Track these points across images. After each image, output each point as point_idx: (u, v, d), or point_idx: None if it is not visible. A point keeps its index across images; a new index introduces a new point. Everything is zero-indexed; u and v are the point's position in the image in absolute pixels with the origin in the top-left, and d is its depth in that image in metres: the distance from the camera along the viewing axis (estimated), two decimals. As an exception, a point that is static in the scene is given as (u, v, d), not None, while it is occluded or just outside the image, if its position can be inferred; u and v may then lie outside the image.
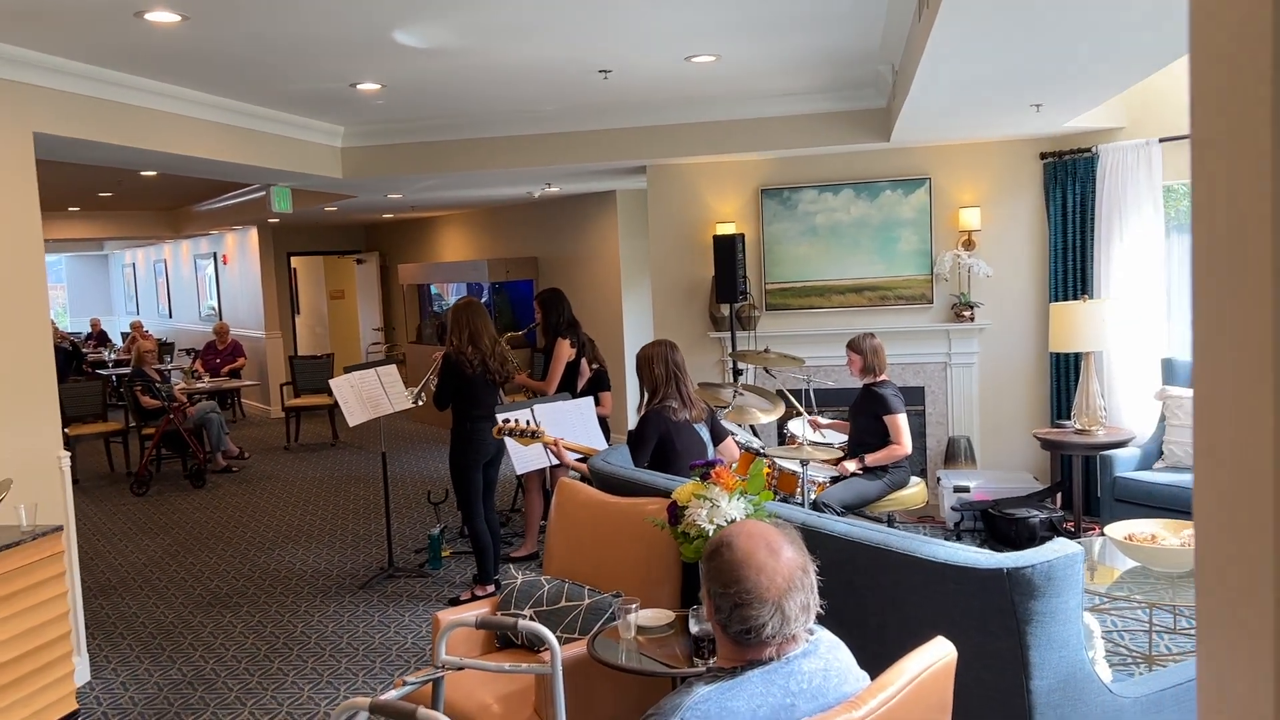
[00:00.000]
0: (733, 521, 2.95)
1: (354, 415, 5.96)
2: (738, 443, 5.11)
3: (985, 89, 4.76)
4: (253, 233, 13.43)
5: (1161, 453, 5.89)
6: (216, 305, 15.11)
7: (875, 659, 2.20)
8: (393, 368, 6.33)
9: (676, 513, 3.09)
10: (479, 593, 5.64)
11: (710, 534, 2.95)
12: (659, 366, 4.44)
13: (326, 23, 4.37)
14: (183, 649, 5.18)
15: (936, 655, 2.12)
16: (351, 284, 15.61)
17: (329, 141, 7.31)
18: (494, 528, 5.77)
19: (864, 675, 2.09)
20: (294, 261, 14.80)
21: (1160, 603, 4.04)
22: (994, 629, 2.60)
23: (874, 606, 2.88)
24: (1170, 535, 4.34)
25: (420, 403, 6.28)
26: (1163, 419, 5.98)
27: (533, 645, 3.58)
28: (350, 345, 15.04)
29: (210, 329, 13.24)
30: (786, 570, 1.94)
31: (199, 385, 10.88)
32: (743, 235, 7.08)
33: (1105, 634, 4.73)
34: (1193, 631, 4.75)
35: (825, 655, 2.03)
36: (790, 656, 1.96)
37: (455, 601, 5.64)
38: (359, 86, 5.76)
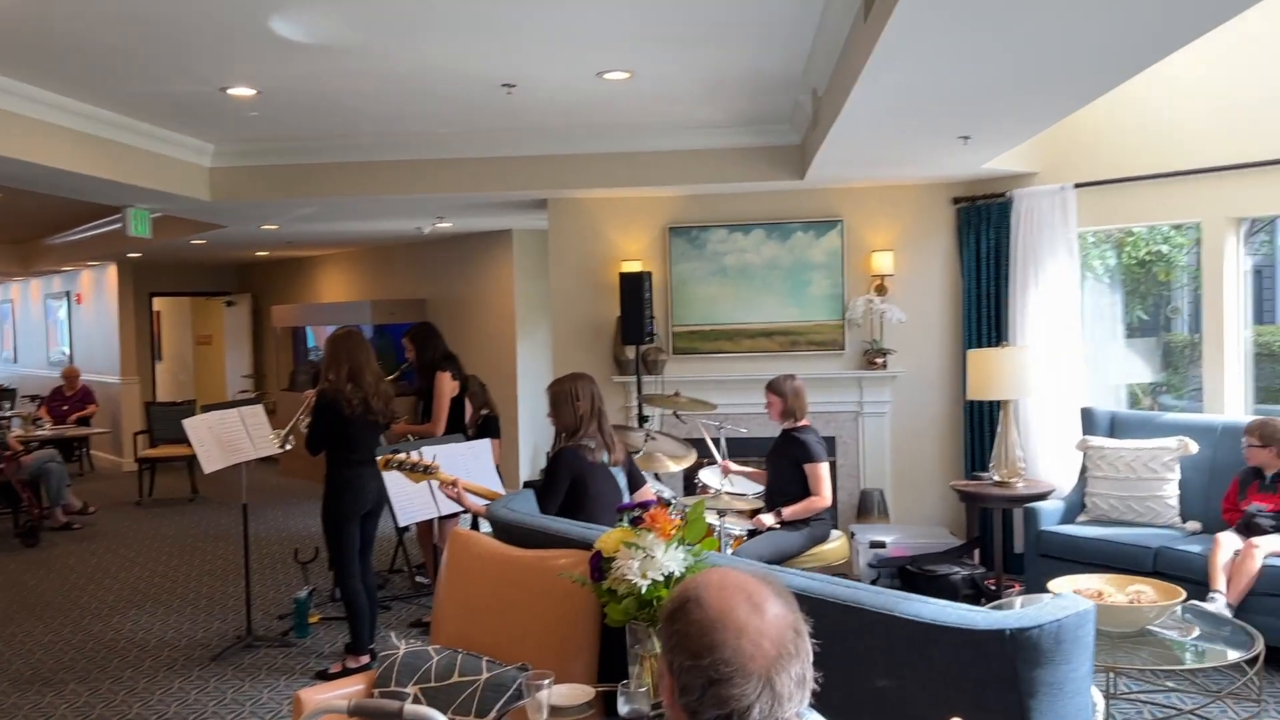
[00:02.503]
0: (672, 576, 2.44)
1: (210, 460, 5.24)
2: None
3: (918, 113, 4.47)
4: (111, 270, 12.39)
5: (1084, 505, 5.64)
6: (68, 349, 13.89)
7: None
8: (258, 408, 5.64)
9: (601, 565, 2.57)
10: (351, 664, 4.94)
11: (644, 591, 2.43)
12: (583, 403, 3.93)
13: (193, 2, 3.79)
14: (-12, 737, 4.33)
15: (956, 744, 1.65)
16: (220, 328, 14.60)
17: (196, 159, 6.62)
18: (371, 589, 5.10)
19: (862, 772, 1.60)
20: (157, 303, 13.75)
21: (1119, 666, 3.69)
22: (990, 704, 2.15)
23: (839, 679, 2.39)
24: (1116, 591, 4.03)
25: (289, 447, 5.58)
26: (1084, 470, 5.74)
27: (418, 729, 2.96)
28: (216, 393, 13.97)
29: (59, 374, 12.09)
30: (775, 632, 1.45)
31: (39, 433, 9.80)
32: (650, 274, 6.66)
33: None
34: (1142, 696, 4.43)
35: (819, 748, 1.53)
36: (778, 750, 1.46)
37: (324, 675, 4.92)
38: (231, 91, 5.14)
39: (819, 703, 2.22)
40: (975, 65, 3.65)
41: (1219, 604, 4.51)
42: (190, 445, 9.92)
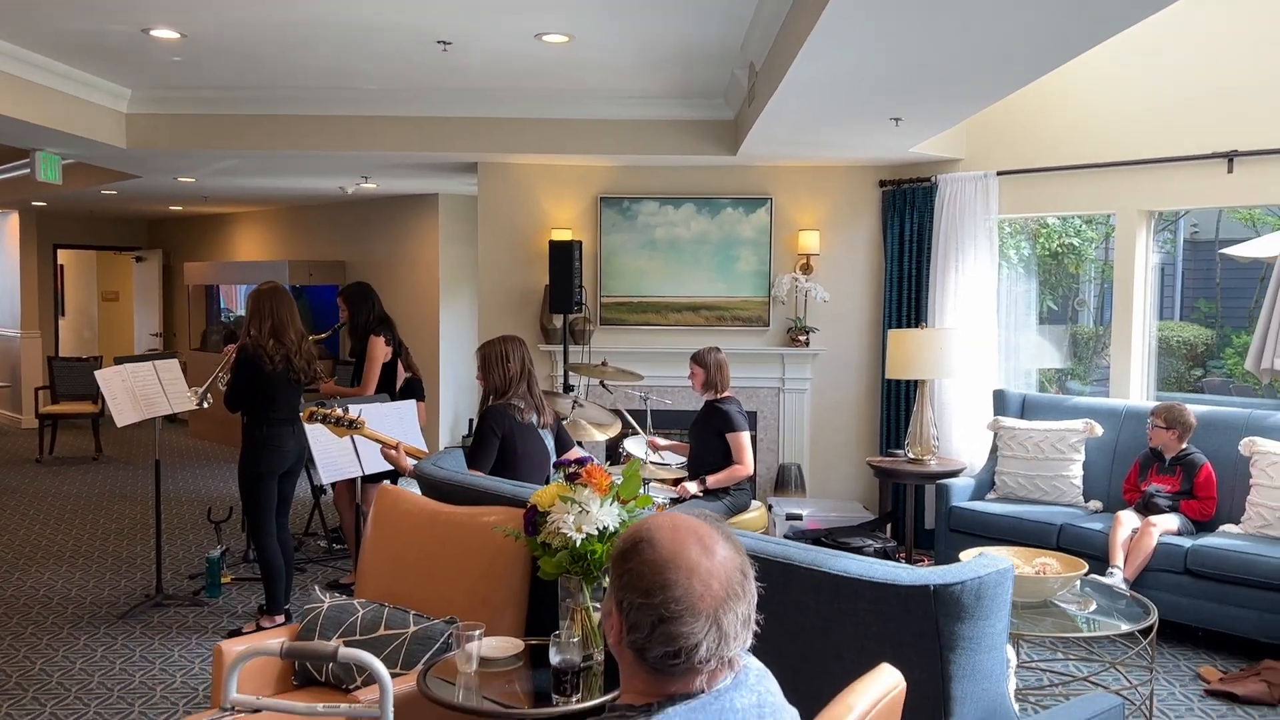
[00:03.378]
0: (606, 531, 2.47)
1: (123, 414, 5.08)
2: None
3: (854, 91, 4.54)
4: (13, 219, 11.88)
5: (994, 483, 5.84)
6: (-37, 300, 13.26)
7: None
8: (174, 362, 5.48)
9: (535, 519, 2.58)
10: (266, 624, 4.86)
11: (579, 544, 2.45)
12: (514, 363, 3.91)
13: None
14: (-122, 692, 4.16)
15: (885, 686, 1.72)
16: (128, 285, 14.10)
17: (113, 105, 6.37)
18: (287, 548, 5.01)
19: (795, 712, 1.65)
20: (61, 255, 13.20)
21: (1024, 634, 3.85)
22: (911, 657, 2.23)
23: (768, 633, 2.45)
24: (1022, 564, 4.19)
25: (206, 404, 5.44)
26: (995, 450, 5.94)
27: (342, 684, 2.95)
28: (123, 351, 13.50)
29: (-47, 324, 11.56)
30: (723, 574, 1.48)
31: (-68, 384, 9.37)
32: (580, 243, 6.65)
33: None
34: (1042, 665, 4.63)
35: (756, 687, 1.58)
36: (720, 689, 1.50)
37: (236, 634, 4.83)
38: (154, 32, 4.96)
39: (753, 651, 2.28)
40: (914, 44, 3.71)
41: (1116, 578, 4.73)
42: (94, 403, 9.70)
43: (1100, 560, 4.88)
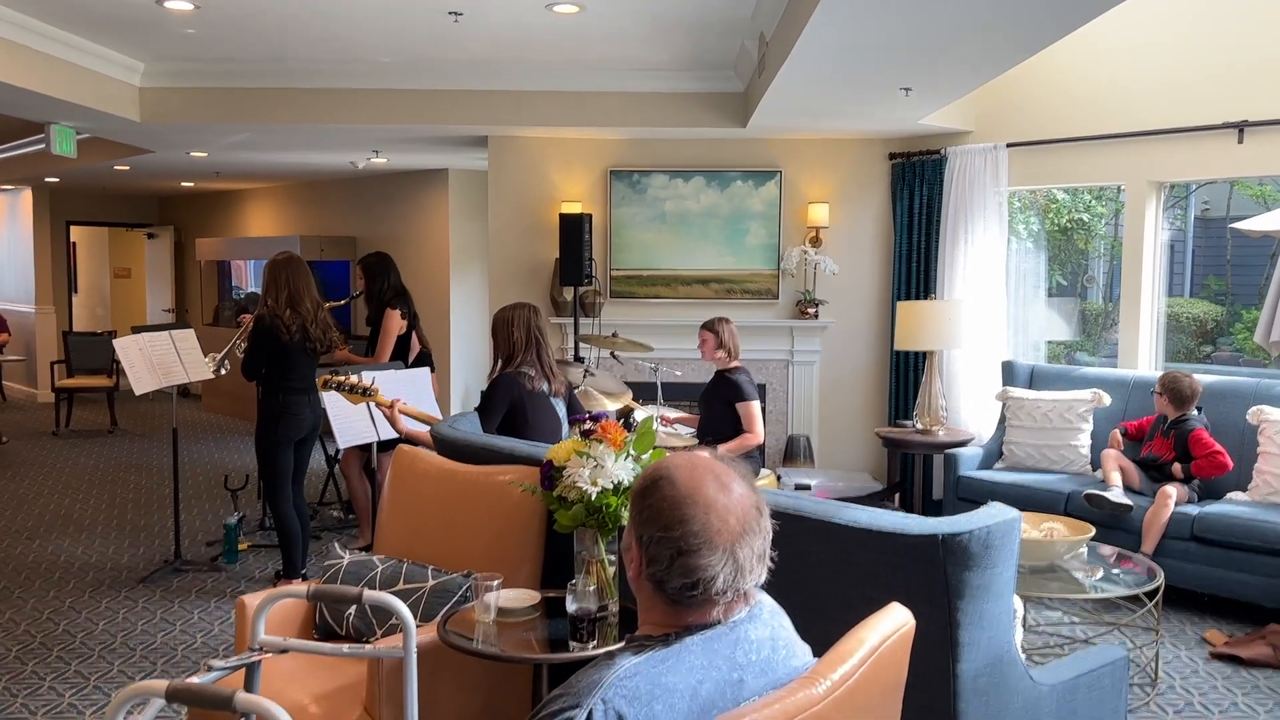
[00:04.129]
0: (620, 484, 2.52)
1: (141, 382, 5.15)
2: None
3: (864, 61, 4.56)
4: (26, 195, 11.94)
5: (1002, 453, 5.88)
6: (-23, 276, 13.37)
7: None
8: (190, 332, 5.55)
9: (552, 474, 2.64)
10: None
11: (594, 498, 2.51)
12: (518, 330, 3.95)
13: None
14: (-93, 652, 4.25)
15: (895, 624, 1.76)
16: (140, 262, 14.18)
17: (126, 78, 6.41)
18: (303, 515, 5.09)
19: (807, 648, 1.71)
20: (74, 233, 13.28)
21: (1030, 594, 3.90)
22: (920, 604, 2.27)
23: (780, 582, 2.51)
24: (1030, 528, 4.24)
25: (224, 372, 5.52)
26: (1003, 420, 5.98)
27: (362, 635, 3.02)
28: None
29: (-32, 300, 11.66)
30: (740, 509, 1.54)
31: (-51, 358, 9.47)
32: (590, 216, 6.69)
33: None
34: (1048, 628, 4.69)
35: (770, 622, 1.63)
36: (735, 621, 1.56)
37: (255, 598, 4.91)
38: (167, 4, 4.99)
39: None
40: (925, 10, 3.73)
41: (1116, 493, 4.99)
42: (110, 376, 9.79)
43: (1106, 526, 4.94)
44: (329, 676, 2.89)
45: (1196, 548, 4.77)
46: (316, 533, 6.10)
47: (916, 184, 6.77)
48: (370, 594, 2.04)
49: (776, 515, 2.50)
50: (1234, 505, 4.86)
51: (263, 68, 6.40)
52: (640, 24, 5.30)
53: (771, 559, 1.62)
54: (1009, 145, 6.32)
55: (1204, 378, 5.28)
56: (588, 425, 2.66)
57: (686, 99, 6.50)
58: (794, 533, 2.45)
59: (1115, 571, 4.11)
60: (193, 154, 8.46)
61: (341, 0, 4.90)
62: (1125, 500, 4.95)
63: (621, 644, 1.59)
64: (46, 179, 10.89)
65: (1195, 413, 5.09)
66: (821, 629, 2.25)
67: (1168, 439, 5.11)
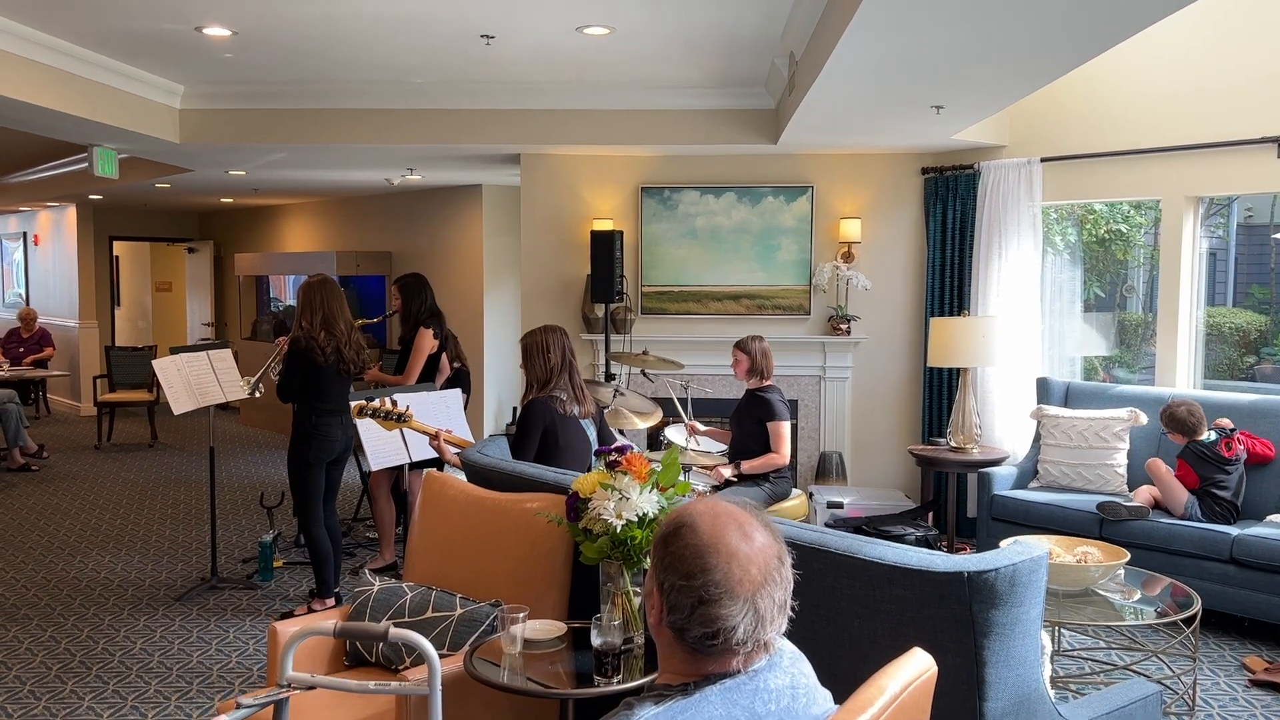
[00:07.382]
0: (646, 517, 2.53)
1: (179, 402, 5.23)
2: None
3: (895, 80, 4.54)
4: (70, 211, 12.18)
5: (1037, 471, 5.81)
6: (24, 291, 13.66)
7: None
8: (226, 352, 5.63)
9: (577, 506, 2.65)
10: (317, 607, 5.00)
11: (619, 530, 2.52)
12: (554, 354, 3.98)
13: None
14: (-48, 669, 4.35)
15: (917, 670, 1.76)
16: (181, 276, 14.41)
17: (166, 100, 6.53)
18: (335, 535, 5.14)
19: (828, 694, 1.70)
20: (117, 248, 13.54)
21: (1064, 621, 3.85)
22: (946, 643, 2.27)
23: (805, 618, 2.50)
24: (1064, 552, 4.19)
25: (258, 394, 5.58)
26: (1038, 438, 5.92)
27: (391, 664, 3.05)
28: (176, 341, 13.84)
29: (15, 316, 11.89)
30: (761, 559, 1.54)
31: (-4, 373, 9.68)
32: (621, 233, 6.71)
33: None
34: (1083, 653, 4.62)
35: (790, 670, 1.63)
36: (755, 670, 1.56)
37: (288, 616, 4.97)
38: (206, 30, 5.09)
39: (789, 636, 2.34)
40: (956, 31, 3.72)
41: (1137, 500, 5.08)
42: (151, 391, 9.96)
43: (1142, 549, 4.87)
44: (360, 704, 2.92)
45: (1235, 571, 4.69)
46: (350, 549, 6.16)
47: (950, 199, 6.73)
48: (395, 632, 2.06)
49: (801, 550, 2.50)
50: (1274, 528, 4.77)
51: (299, 89, 6.49)
52: (670, 45, 5.32)
53: (793, 608, 1.62)
54: (1043, 160, 6.27)
55: (1243, 397, 5.20)
56: (613, 457, 2.67)
57: (717, 116, 6.51)
58: (820, 569, 2.45)
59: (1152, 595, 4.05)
60: (231, 173, 8.60)
61: (376, 23, 4.97)
62: (1138, 503, 5.04)
63: (642, 686, 1.60)
64: (90, 196, 11.11)
65: (1212, 434, 5.04)
66: (849, 666, 2.25)
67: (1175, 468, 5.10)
